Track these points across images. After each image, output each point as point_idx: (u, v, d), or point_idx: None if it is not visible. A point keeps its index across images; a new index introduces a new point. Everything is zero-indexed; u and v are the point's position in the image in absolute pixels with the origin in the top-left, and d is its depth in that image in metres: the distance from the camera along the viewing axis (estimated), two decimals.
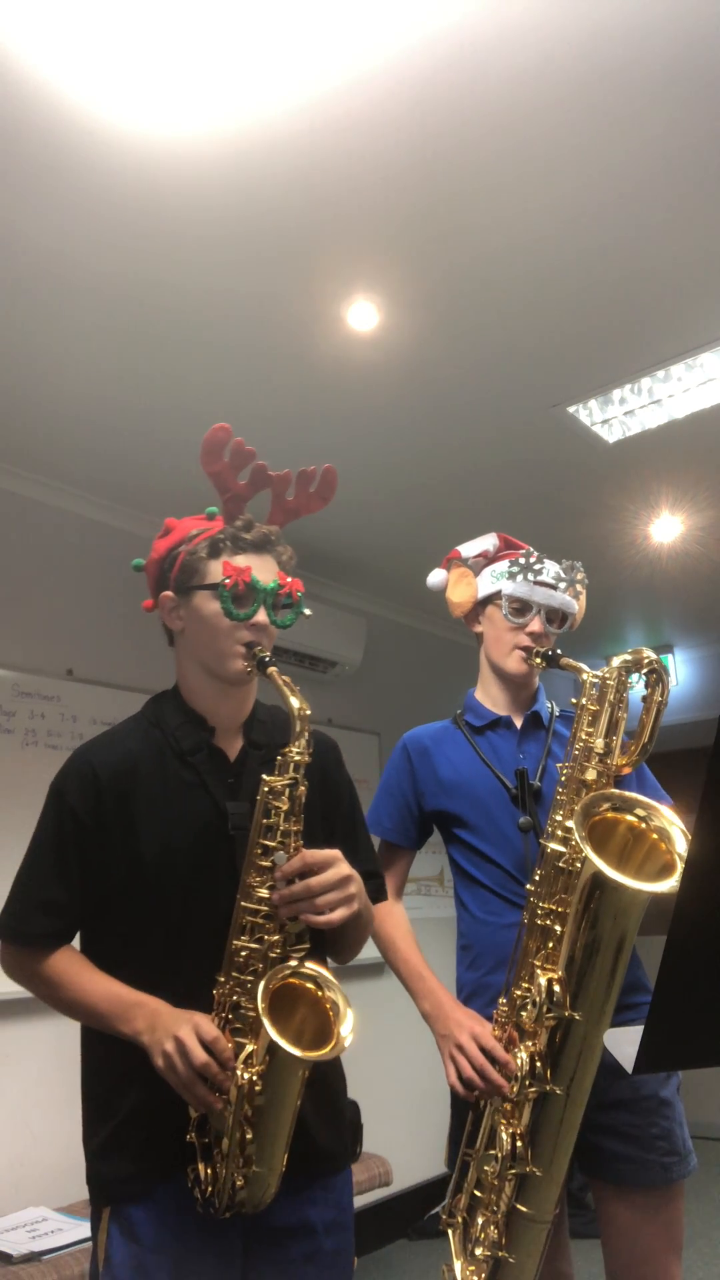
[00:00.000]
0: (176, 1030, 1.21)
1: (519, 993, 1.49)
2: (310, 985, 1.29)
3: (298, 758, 1.32)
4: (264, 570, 1.40)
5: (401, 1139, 3.87)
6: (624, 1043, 1.62)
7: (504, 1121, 1.44)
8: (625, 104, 1.84)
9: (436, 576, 1.93)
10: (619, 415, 2.97)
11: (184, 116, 1.84)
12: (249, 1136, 1.24)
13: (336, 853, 1.30)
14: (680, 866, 1.33)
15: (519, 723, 1.83)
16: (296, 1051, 1.19)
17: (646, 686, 1.60)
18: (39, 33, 1.66)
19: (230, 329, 2.47)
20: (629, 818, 1.43)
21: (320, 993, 1.29)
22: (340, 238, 2.17)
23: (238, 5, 1.64)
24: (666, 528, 3.75)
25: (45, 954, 1.37)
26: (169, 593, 1.44)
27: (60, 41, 1.68)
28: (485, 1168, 1.46)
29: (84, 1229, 2.46)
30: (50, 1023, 2.79)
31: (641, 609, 4.84)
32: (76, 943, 1.42)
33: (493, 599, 1.83)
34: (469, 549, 1.90)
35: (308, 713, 1.33)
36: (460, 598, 1.87)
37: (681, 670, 5.49)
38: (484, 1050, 1.49)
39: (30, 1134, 2.79)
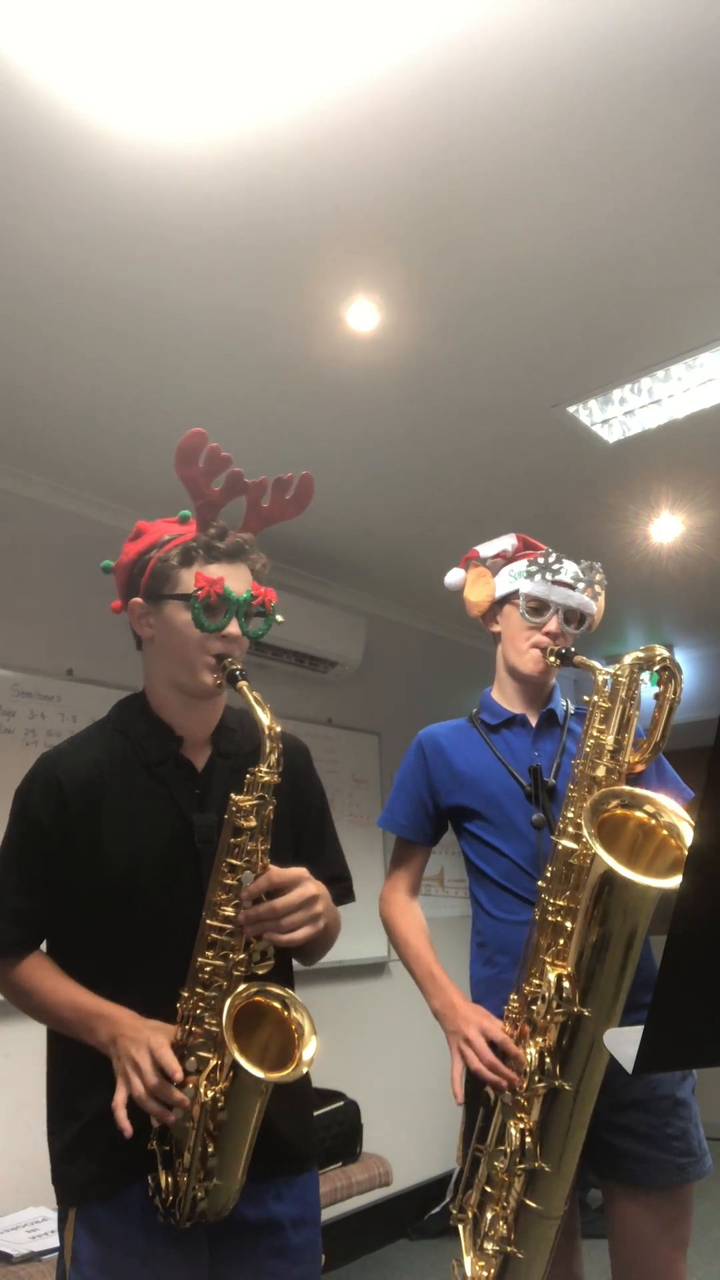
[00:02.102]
0: (133, 1050, 1.21)
1: (530, 989, 1.49)
2: (276, 1005, 1.29)
3: (266, 777, 1.30)
4: (237, 580, 1.38)
5: (401, 1139, 3.87)
6: (624, 1042, 1.62)
7: (513, 1117, 1.44)
8: (626, 105, 1.84)
9: (454, 576, 1.93)
10: (619, 415, 2.97)
11: (184, 122, 1.84)
12: (210, 1150, 1.25)
13: (302, 871, 1.30)
14: None
15: (534, 720, 1.82)
16: (258, 1073, 1.20)
17: (659, 683, 1.59)
18: (39, 39, 1.66)
19: (230, 329, 2.47)
20: (638, 814, 1.43)
21: (286, 1013, 1.29)
22: (340, 238, 2.17)
23: (238, 13, 1.64)
24: (666, 528, 3.75)
25: (13, 962, 1.38)
26: (139, 599, 1.42)
27: (61, 48, 1.68)
28: (495, 1163, 1.46)
29: None
30: None
31: (641, 609, 4.84)
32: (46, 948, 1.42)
33: (510, 598, 1.82)
34: (487, 549, 1.90)
35: (278, 730, 1.32)
36: (478, 597, 1.86)
37: (682, 670, 5.51)
38: (493, 1044, 1.49)
39: (30, 1134, 2.79)
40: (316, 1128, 1.50)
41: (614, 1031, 1.63)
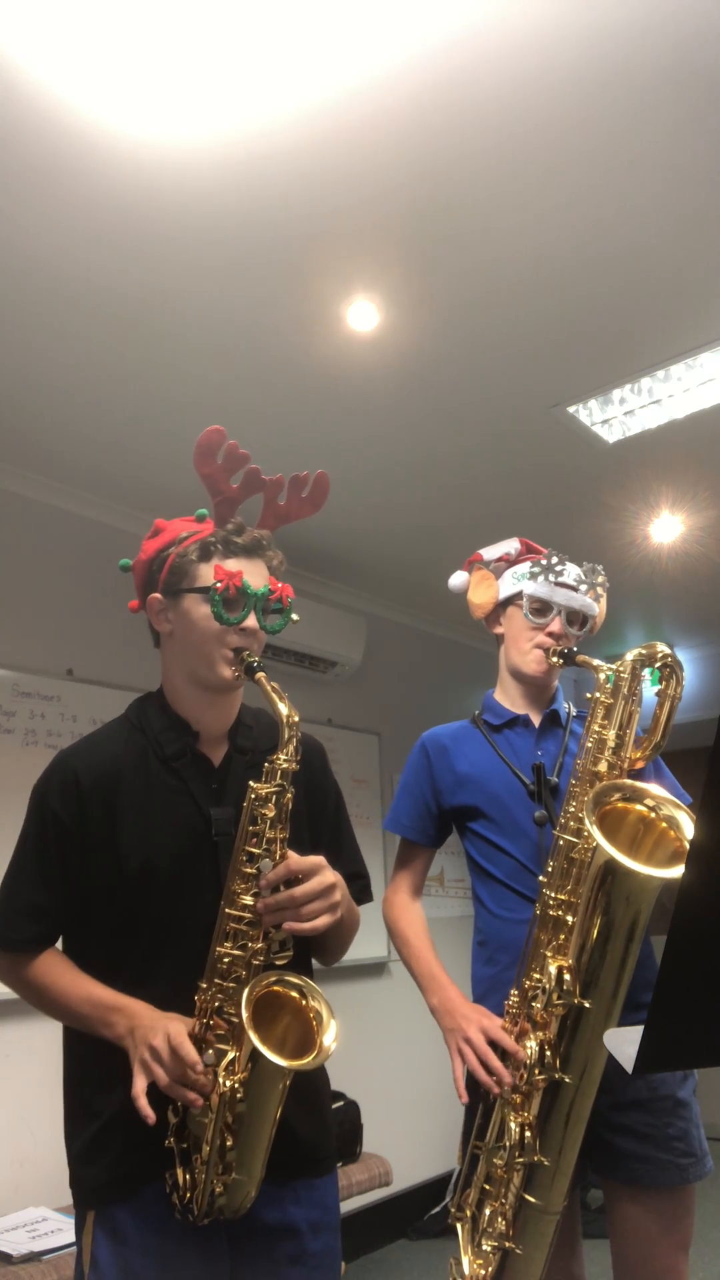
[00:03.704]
0: (152, 1038, 1.21)
1: (530, 984, 1.49)
2: (294, 994, 1.29)
3: (285, 765, 1.31)
4: (255, 575, 1.39)
5: (401, 1139, 3.87)
6: (624, 1042, 1.62)
7: (513, 1111, 1.44)
8: (626, 107, 1.84)
9: (458, 579, 1.95)
10: (619, 415, 2.97)
11: (185, 123, 1.84)
12: (229, 1144, 1.24)
13: (321, 860, 1.30)
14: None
15: (537, 721, 1.83)
16: (281, 1061, 1.19)
17: (660, 680, 1.60)
18: (39, 39, 1.66)
19: (230, 329, 2.47)
20: (639, 807, 1.44)
21: (304, 1001, 1.29)
22: (340, 238, 2.17)
23: (238, 13, 1.64)
24: (666, 528, 3.76)
25: (29, 958, 1.37)
26: (157, 595, 1.42)
27: (61, 48, 1.68)
28: (494, 1160, 1.46)
29: None
30: (51, 1023, 2.79)
31: (641, 609, 4.84)
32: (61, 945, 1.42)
33: (514, 600, 1.84)
34: (491, 552, 1.92)
35: (296, 719, 1.32)
36: (482, 599, 1.88)
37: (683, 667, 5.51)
38: (492, 1042, 1.50)
39: (30, 1134, 2.79)
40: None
41: (614, 1031, 1.63)
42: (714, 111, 1.87)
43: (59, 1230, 2.49)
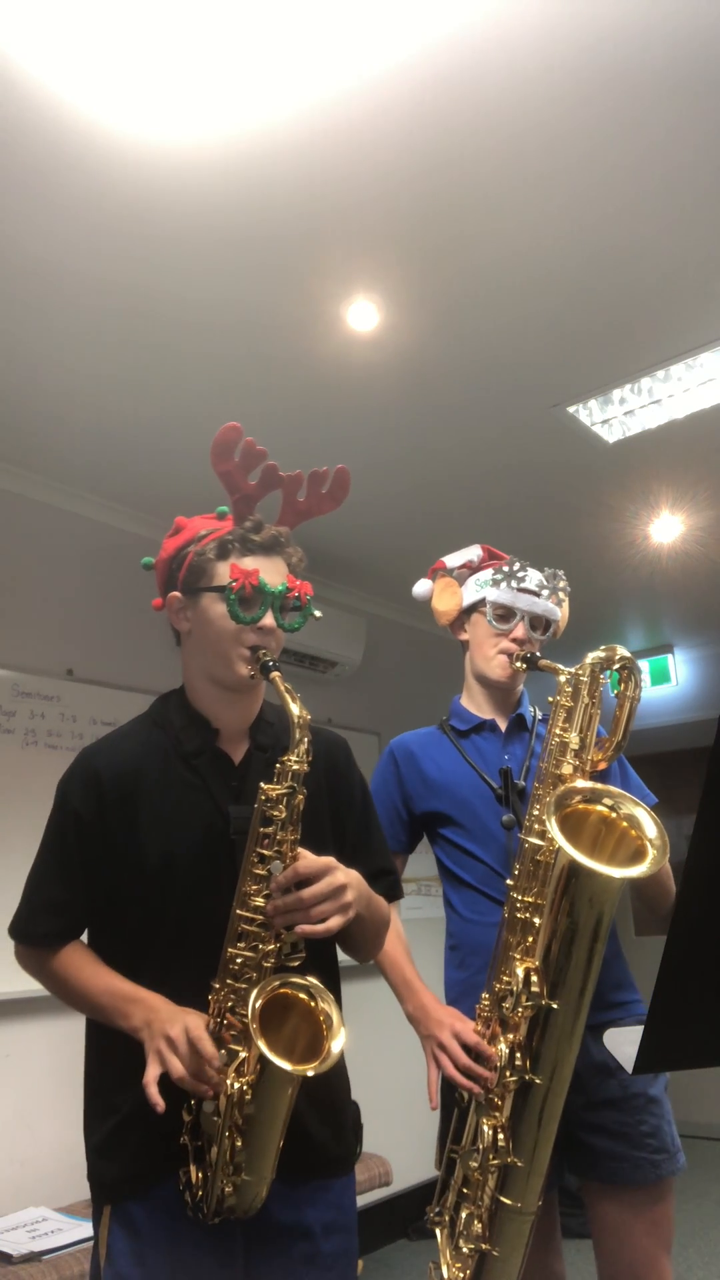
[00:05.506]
0: (169, 1030, 1.22)
1: (500, 986, 1.50)
2: (303, 996, 1.29)
3: (296, 766, 1.31)
4: (272, 573, 1.39)
5: (401, 1139, 3.87)
6: (624, 1043, 1.63)
7: (485, 1114, 1.45)
8: (626, 107, 1.84)
9: (422, 586, 2.00)
10: (619, 415, 2.97)
11: (185, 122, 1.85)
12: (239, 1144, 1.24)
13: (330, 861, 1.29)
14: (651, 851, 1.35)
15: (504, 725, 1.86)
16: (286, 1066, 1.19)
17: (619, 683, 1.63)
18: (39, 38, 1.66)
19: (230, 329, 2.47)
20: (599, 808, 1.45)
21: (313, 1004, 1.28)
22: (340, 238, 2.17)
23: (238, 13, 1.64)
24: (666, 528, 3.76)
25: (53, 951, 1.39)
26: (177, 593, 1.43)
27: (61, 47, 1.68)
28: (470, 1163, 1.47)
29: (84, 1229, 2.46)
30: (51, 1023, 2.80)
31: (641, 609, 4.84)
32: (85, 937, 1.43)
33: (477, 606, 1.87)
34: (454, 560, 1.95)
35: (308, 719, 1.32)
36: (446, 606, 1.91)
37: (681, 670, 5.49)
38: (466, 1046, 1.50)
39: (30, 1134, 2.79)
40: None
41: (614, 1031, 1.64)
42: (713, 112, 1.87)
43: (59, 1230, 2.49)
